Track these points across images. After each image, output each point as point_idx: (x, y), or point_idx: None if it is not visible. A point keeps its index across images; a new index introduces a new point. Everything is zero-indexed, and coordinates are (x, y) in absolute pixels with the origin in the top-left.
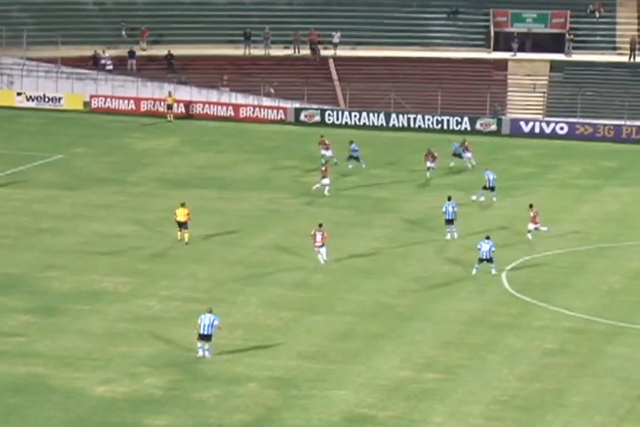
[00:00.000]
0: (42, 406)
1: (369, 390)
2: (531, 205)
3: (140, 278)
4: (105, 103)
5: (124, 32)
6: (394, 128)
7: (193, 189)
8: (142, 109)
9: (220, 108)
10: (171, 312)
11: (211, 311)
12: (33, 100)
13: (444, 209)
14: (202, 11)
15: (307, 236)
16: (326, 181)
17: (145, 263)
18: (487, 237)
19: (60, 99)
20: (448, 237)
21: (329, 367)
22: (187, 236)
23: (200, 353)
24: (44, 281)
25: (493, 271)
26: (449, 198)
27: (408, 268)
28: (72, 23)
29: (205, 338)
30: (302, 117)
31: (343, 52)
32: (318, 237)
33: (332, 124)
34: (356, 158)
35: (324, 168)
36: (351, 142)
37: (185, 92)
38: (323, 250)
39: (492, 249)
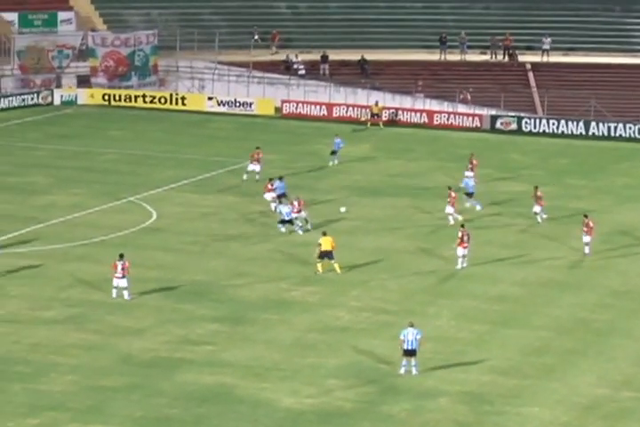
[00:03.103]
0: (229, 416)
1: (564, 407)
2: (536, 187)
3: (330, 288)
4: (296, 109)
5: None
6: (593, 137)
7: (385, 198)
8: (334, 115)
9: (413, 114)
10: (360, 323)
11: (412, 325)
12: (224, 105)
13: None
14: (397, 15)
15: (500, 247)
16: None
17: (334, 273)
18: None
19: (251, 104)
20: None
21: (523, 383)
22: (337, 266)
23: (402, 371)
24: (232, 289)
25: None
26: None
27: (607, 281)
28: (265, 27)
29: (411, 353)
30: (498, 125)
31: (547, 57)
32: (465, 237)
33: (529, 133)
34: (334, 153)
35: (448, 196)
36: (336, 135)
37: (377, 98)
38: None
39: None
